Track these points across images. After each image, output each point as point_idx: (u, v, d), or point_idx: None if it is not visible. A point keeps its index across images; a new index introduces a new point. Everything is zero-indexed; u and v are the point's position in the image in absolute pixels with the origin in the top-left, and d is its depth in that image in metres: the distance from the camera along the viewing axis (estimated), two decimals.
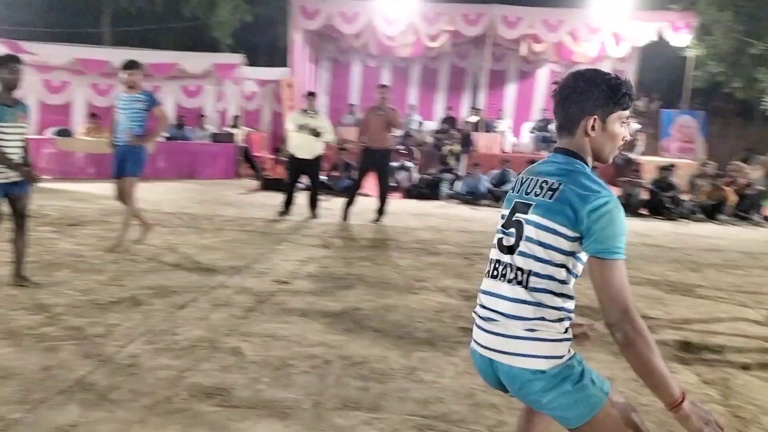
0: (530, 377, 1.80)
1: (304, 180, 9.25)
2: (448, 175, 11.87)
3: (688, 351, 4.20)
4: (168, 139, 12.31)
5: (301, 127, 8.53)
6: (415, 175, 12.17)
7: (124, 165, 6.02)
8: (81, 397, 3.01)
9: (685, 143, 15.47)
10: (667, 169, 11.41)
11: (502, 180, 11.29)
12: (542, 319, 1.80)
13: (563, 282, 1.82)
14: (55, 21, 18.37)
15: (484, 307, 1.94)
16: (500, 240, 1.93)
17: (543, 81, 19.10)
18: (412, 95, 19.20)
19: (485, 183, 11.15)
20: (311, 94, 9.07)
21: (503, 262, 1.89)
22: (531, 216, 1.83)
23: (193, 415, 2.91)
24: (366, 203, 9.15)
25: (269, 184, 11.47)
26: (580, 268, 1.84)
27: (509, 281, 1.86)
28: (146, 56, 11.65)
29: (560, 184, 1.81)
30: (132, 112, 5.97)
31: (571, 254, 1.80)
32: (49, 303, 4.39)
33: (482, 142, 16.07)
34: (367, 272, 5.83)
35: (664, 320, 4.88)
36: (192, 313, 4.38)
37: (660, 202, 10.72)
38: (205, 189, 11.26)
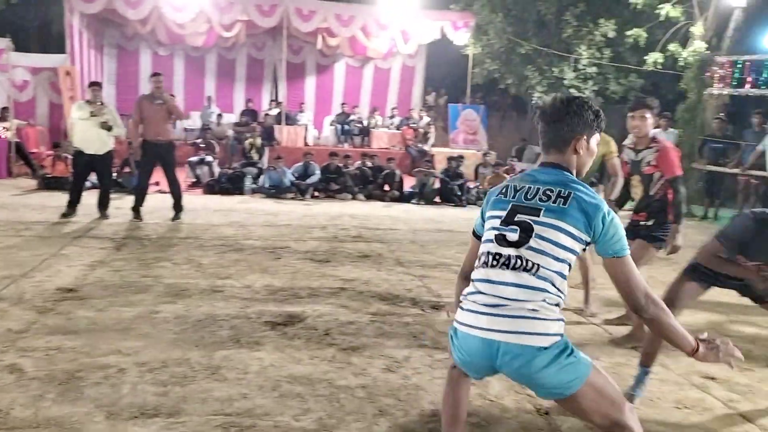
0: (535, 353, 2.03)
1: (92, 178, 8.54)
2: (252, 169, 11.68)
3: None
4: None
5: (89, 119, 7.83)
6: (217, 170, 11.79)
7: None
8: None
9: (470, 135, 16.85)
10: (456, 159, 12.34)
11: (305, 173, 11.38)
12: (544, 301, 2.06)
13: (564, 274, 2.11)
14: None
15: (484, 293, 2.13)
16: (499, 236, 2.16)
17: (341, 75, 19.59)
18: (209, 86, 18.58)
19: (289, 176, 11.16)
20: (95, 84, 8.35)
21: (505, 255, 2.12)
22: (544, 218, 2.09)
23: None
24: (163, 201, 8.69)
25: (49, 183, 10.39)
26: (573, 262, 2.15)
27: (514, 269, 2.09)
28: None
29: (569, 192, 2.11)
30: None
31: (575, 252, 2.11)
32: None
33: (285, 135, 16.07)
34: (165, 273, 5.55)
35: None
36: None
37: (450, 190, 11.57)
38: None
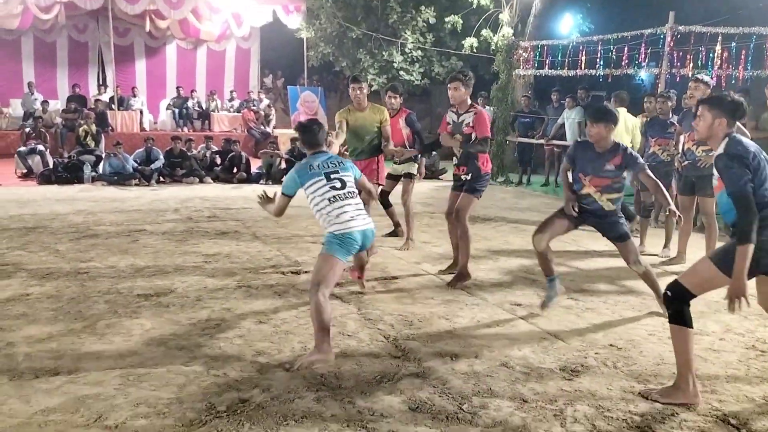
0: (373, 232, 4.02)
1: None
2: (89, 157, 11.38)
3: None
4: None
5: None
6: (50, 159, 11.34)
7: None
8: None
9: (311, 116, 17.45)
10: (298, 139, 12.89)
11: (148, 158, 11.34)
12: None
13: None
14: None
15: (351, 213, 3.88)
16: (335, 185, 3.93)
17: (173, 57, 19.19)
18: (27, 72, 17.37)
19: (131, 162, 11.06)
20: None
21: (343, 193, 3.93)
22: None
23: None
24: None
25: None
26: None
27: (352, 198, 3.96)
28: None
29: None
30: None
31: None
32: None
33: (119, 120, 15.60)
34: (24, 260, 5.61)
35: (311, 262, 5.93)
36: None
37: None
38: None
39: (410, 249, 6.55)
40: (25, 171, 11.29)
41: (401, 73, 16.23)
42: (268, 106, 17.60)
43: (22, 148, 11.55)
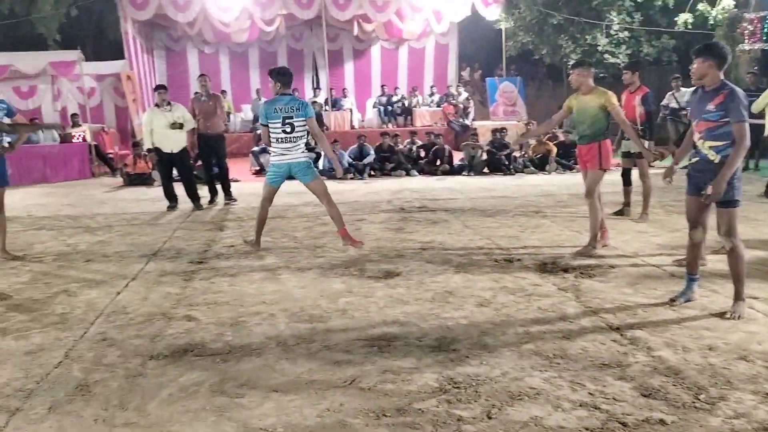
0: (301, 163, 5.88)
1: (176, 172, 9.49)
2: (311, 154, 12.51)
3: (545, 270, 5.35)
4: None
5: (161, 121, 8.61)
6: None
7: None
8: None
9: (509, 107, 17.44)
10: (499, 131, 13.00)
11: (361, 154, 12.22)
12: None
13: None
14: None
15: (285, 149, 5.80)
16: (286, 129, 5.77)
17: (377, 58, 20.32)
18: (254, 79, 19.51)
19: (347, 158, 12.00)
20: (161, 87, 8.96)
21: (290, 136, 5.76)
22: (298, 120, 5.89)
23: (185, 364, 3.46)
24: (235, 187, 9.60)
25: (133, 180, 11.43)
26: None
27: (296, 141, 5.81)
28: None
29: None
30: None
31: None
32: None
33: (332, 120, 16.91)
34: (270, 245, 6.44)
35: (522, 251, 6.05)
36: (131, 295, 4.78)
37: (498, 160, 12.26)
38: (65, 191, 10.98)
39: (645, 222, 7.13)
40: (257, 168, 12.75)
41: (606, 56, 15.54)
42: (467, 99, 17.88)
43: (255, 148, 13.05)
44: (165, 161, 8.86)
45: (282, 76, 5.84)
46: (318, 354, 3.61)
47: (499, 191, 10.14)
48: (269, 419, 2.85)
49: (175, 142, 8.75)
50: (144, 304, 4.57)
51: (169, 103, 8.77)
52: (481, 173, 12.24)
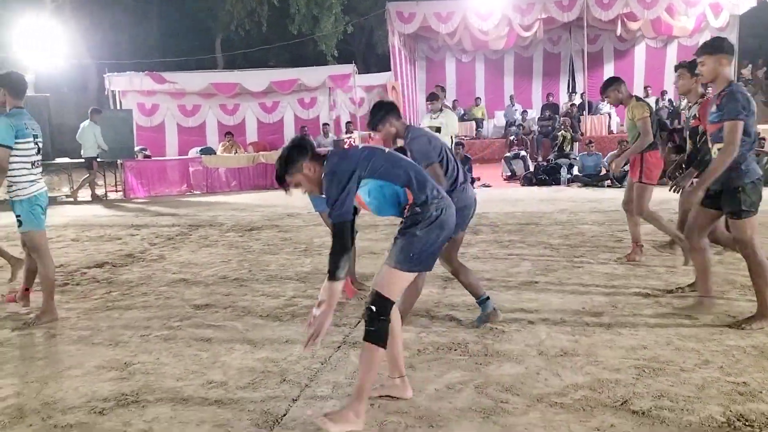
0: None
1: None
2: (565, 160, 12.21)
3: None
4: None
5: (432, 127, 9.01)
6: (530, 163, 12.58)
7: None
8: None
9: None
10: None
11: None
12: None
13: None
14: (171, 51, 19.97)
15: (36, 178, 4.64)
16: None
17: (641, 58, 18.99)
18: (508, 85, 19.57)
19: (604, 162, 11.44)
20: (433, 95, 9.39)
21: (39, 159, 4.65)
22: None
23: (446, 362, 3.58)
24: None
25: None
26: None
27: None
28: (272, 75, 12.68)
29: None
30: None
31: None
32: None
33: (588, 124, 16.25)
34: (524, 252, 6.39)
35: None
36: None
37: None
38: None
39: None
40: (509, 174, 12.77)
41: None
42: None
43: (508, 154, 13.10)
44: None
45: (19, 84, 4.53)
46: (583, 369, 3.47)
47: None
48: (536, 429, 2.81)
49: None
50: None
51: (441, 108, 8.80)
52: None
